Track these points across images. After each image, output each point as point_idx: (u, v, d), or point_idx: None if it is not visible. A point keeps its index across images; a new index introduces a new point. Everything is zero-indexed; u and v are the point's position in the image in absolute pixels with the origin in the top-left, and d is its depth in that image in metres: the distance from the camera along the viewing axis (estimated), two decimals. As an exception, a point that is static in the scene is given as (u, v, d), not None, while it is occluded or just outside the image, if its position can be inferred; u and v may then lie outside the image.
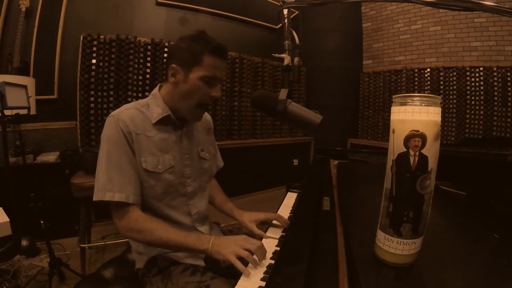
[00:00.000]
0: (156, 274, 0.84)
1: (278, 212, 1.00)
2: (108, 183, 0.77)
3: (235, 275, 0.65)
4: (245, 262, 0.67)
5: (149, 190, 0.83)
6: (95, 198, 0.78)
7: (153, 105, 0.87)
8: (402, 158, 0.43)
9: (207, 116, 1.06)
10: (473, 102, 2.74)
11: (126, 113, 0.81)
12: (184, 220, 0.90)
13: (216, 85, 0.84)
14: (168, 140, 0.87)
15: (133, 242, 0.90)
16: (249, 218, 0.95)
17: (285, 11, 0.67)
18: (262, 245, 0.71)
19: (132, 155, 0.80)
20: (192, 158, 0.93)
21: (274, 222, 0.93)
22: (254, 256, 0.67)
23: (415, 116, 0.41)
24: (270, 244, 0.79)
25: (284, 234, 0.87)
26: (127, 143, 0.79)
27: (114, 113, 0.81)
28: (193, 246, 0.75)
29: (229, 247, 0.70)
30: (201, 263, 0.87)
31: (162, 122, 0.86)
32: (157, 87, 0.91)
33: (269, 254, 0.72)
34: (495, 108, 2.63)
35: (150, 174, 0.82)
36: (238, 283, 0.60)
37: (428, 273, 0.46)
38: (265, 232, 0.89)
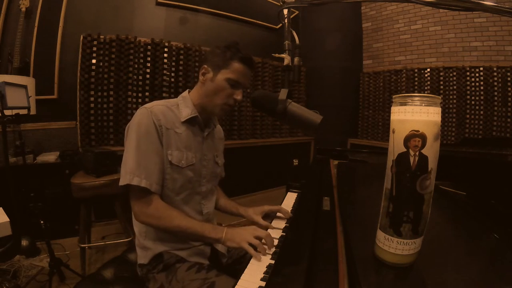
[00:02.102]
0: (160, 271, 0.85)
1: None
2: (137, 168, 0.80)
3: (237, 273, 0.65)
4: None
5: (170, 182, 0.87)
6: (122, 182, 0.81)
7: (183, 105, 0.93)
8: (402, 158, 0.43)
9: (220, 127, 1.12)
10: (473, 102, 2.74)
11: (158, 108, 0.87)
12: (195, 217, 0.93)
13: (239, 89, 0.91)
14: (193, 139, 0.93)
15: (140, 235, 0.91)
16: (254, 212, 1.02)
17: (285, 11, 0.67)
18: (270, 234, 0.78)
19: (160, 146, 0.85)
20: (209, 160, 0.98)
21: (279, 214, 0.98)
22: (264, 242, 0.74)
23: (415, 116, 0.41)
24: (274, 235, 0.82)
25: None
26: (157, 134, 0.84)
27: (147, 105, 0.87)
28: (208, 234, 0.80)
29: (242, 236, 0.77)
30: (205, 261, 0.89)
31: (189, 122, 0.92)
32: (187, 91, 0.98)
33: (271, 249, 0.74)
34: (495, 108, 2.63)
35: (173, 168, 0.87)
36: (238, 283, 0.60)
37: (428, 273, 0.46)
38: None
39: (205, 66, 0.91)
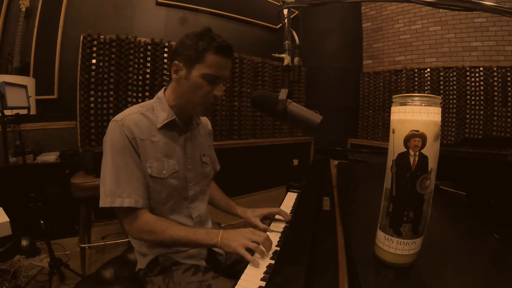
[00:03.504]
0: (157, 274, 0.84)
1: None
2: (117, 188, 0.76)
3: (236, 274, 0.65)
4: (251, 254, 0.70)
5: (154, 194, 0.83)
6: (102, 204, 0.76)
7: (158, 109, 0.85)
8: (402, 158, 0.43)
9: (206, 120, 1.06)
10: (473, 102, 2.74)
11: (130, 118, 0.80)
12: (186, 223, 0.90)
13: (218, 84, 0.82)
14: (172, 145, 0.86)
15: (136, 243, 0.90)
16: (252, 214, 0.97)
17: (285, 11, 0.67)
18: (268, 237, 0.74)
19: (138, 159, 0.79)
20: (194, 162, 0.93)
21: (277, 216, 0.95)
22: (261, 247, 0.70)
23: (415, 116, 0.41)
24: (273, 239, 0.80)
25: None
26: (133, 148, 0.78)
27: (117, 118, 0.79)
28: (202, 241, 0.77)
29: (238, 240, 0.72)
30: (202, 263, 0.88)
31: (167, 127, 0.85)
32: (162, 90, 0.89)
33: (270, 253, 0.73)
34: (495, 108, 2.63)
35: (155, 180, 0.82)
36: (238, 283, 0.60)
37: (428, 273, 0.46)
38: (269, 226, 0.92)
39: (176, 62, 0.80)
